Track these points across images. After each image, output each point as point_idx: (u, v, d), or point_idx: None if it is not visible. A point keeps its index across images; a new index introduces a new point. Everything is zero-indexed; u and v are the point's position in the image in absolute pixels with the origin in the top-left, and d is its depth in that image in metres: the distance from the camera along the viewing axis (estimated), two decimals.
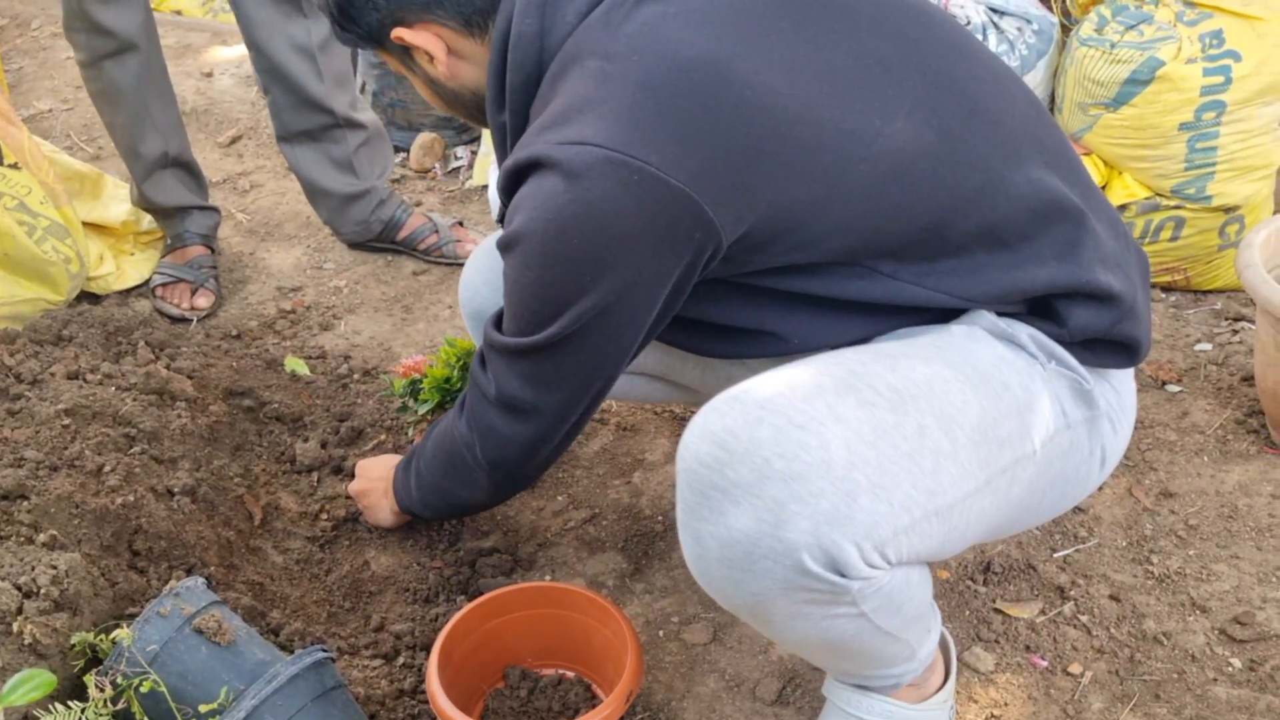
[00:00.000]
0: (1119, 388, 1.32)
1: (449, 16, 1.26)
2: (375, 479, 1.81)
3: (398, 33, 1.27)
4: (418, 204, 2.97)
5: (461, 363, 1.81)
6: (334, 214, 2.63)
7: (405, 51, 1.32)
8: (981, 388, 1.15)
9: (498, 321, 1.33)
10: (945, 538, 1.12)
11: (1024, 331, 1.23)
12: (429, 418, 1.85)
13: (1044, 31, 2.42)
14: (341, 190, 2.57)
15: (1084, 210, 1.25)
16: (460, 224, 2.74)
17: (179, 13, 4.33)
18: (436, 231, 2.66)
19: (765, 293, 1.23)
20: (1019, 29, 2.40)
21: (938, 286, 1.20)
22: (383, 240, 2.68)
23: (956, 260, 1.20)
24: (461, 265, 2.59)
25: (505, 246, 1.20)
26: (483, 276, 1.69)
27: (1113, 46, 2.19)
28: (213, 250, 2.63)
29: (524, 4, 1.19)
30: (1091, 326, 1.24)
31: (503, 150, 1.30)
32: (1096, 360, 1.27)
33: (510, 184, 1.18)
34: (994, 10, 2.42)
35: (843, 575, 1.04)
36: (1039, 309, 1.25)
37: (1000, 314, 1.23)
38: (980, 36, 2.39)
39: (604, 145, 1.08)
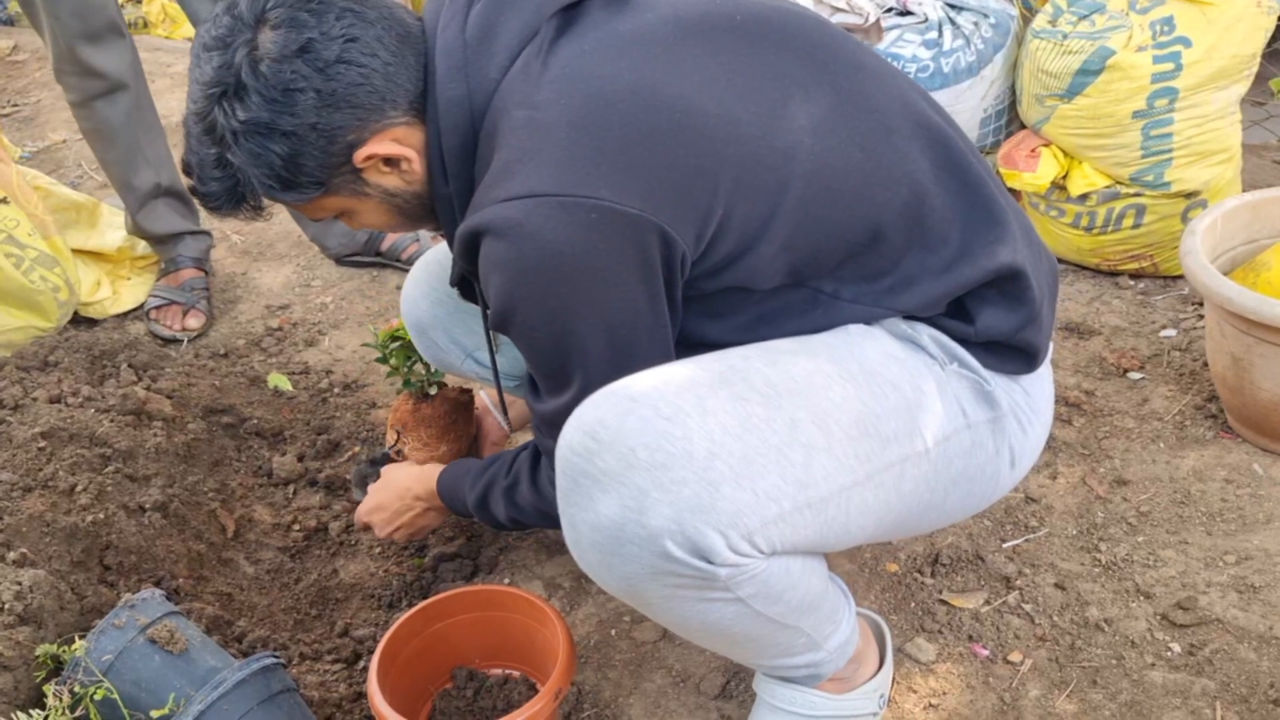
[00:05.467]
0: (1030, 390, 1.34)
1: (401, 112, 1.20)
2: (396, 498, 1.73)
3: (365, 152, 1.19)
4: None
5: None
6: (319, 230, 2.71)
7: (356, 176, 1.23)
8: (866, 385, 1.18)
9: (536, 392, 1.31)
10: (824, 530, 1.15)
11: (926, 333, 1.26)
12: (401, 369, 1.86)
13: (1001, 25, 2.42)
14: None
15: (1006, 211, 1.28)
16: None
17: (190, 40, 4.45)
18: (418, 240, 2.74)
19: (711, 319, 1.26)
20: (975, 23, 2.41)
21: (877, 303, 1.23)
22: (367, 252, 2.76)
23: (892, 277, 1.23)
24: None
25: (501, 323, 1.20)
26: (421, 290, 1.74)
27: (1064, 38, 2.20)
28: (205, 272, 2.72)
29: (445, 70, 1.19)
30: (997, 328, 1.27)
31: (451, 222, 1.28)
32: (997, 364, 1.30)
33: (468, 249, 1.18)
34: (951, 5, 2.44)
35: (708, 561, 1.08)
36: (951, 307, 1.28)
37: (913, 317, 1.26)
38: (936, 32, 2.40)
39: (553, 192, 1.10)
